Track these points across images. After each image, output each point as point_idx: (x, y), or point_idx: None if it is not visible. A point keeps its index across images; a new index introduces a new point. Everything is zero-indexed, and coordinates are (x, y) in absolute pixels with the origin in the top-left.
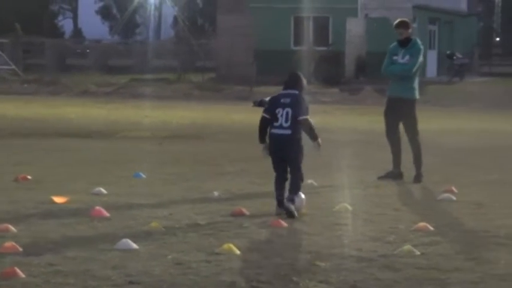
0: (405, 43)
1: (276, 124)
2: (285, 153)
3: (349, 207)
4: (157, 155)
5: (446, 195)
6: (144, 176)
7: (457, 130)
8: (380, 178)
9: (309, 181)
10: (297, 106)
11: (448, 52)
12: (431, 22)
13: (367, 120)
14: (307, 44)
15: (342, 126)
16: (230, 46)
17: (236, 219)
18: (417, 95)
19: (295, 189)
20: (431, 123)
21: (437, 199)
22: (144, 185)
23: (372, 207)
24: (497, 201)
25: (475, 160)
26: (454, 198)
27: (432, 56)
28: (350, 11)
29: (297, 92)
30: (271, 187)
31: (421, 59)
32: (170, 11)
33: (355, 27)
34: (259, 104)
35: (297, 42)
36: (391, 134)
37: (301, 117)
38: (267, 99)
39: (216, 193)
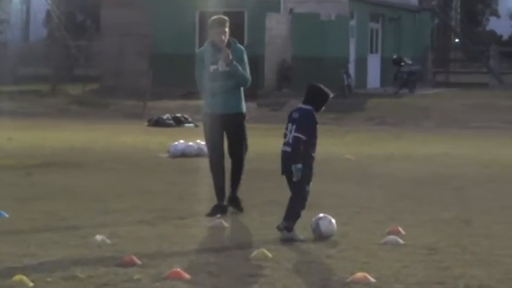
0: (226, 46)
1: (284, 140)
2: (286, 172)
3: (269, 254)
4: (24, 189)
5: (391, 237)
6: (6, 215)
7: (406, 155)
8: (208, 215)
9: (217, 221)
10: (298, 122)
11: (394, 57)
12: (373, 19)
13: None
14: None
15: (261, 151)
16: (119, 49)
17: (125, 270)
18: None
19: (289, 215)
20: (373, 146)
21: (380, 243)
22: (6, 226)
23: (298, 253)
24: (454, 245)
25: (427, 193)
26: (401, 241)
27: (374, 62)
28: (270, 4)
29: (309, 107)
30: (168, 228)
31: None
32: (42, 4)
33: (276, 25)
34: (155, 122)
35: (204, 44)
36: (216, 155)
37: (295, 134)
38: (166, 117)
39: (99, 237)
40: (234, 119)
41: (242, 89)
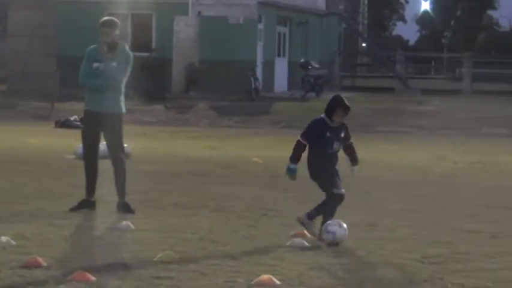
0: (113, 47)
1: None
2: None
3: (175, 256)
4: None
5: (297, 240)
6: None
7: None
8: (72, 210)
9: (124, 222)
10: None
11: (301, 61)
12: (280, 23)
13: (201, 145)
14: None
15: (169, 153)
16: (26, 50)
17: (30, 271)
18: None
19: (318, 208)
20: (280, 149)
21: (286, 245)
22: None
23: (205, 256)
24: (360, 248)
25: None
26: (307, 244)
27: (282, 65)
28: (179, 7)
29: (322, 115)
30: (73, 229)
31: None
32: None
33: (185, 28)
34: (62, 124)
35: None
36: (91, 152)
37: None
38: (73, 118)
39: (4, 238)
40: (110, 118)
41: (123, 90)
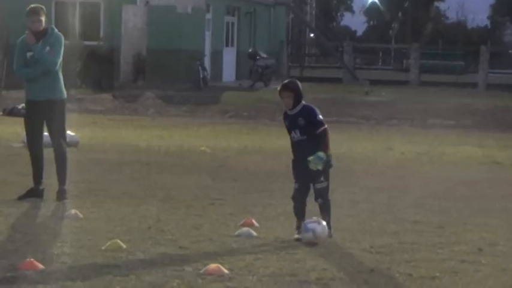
0: (42, 34)
1: None
2: None
3: (123, 245)
4: None
5: (244, 229)
6: None
7: (259, 149)
8: (20, 198)
9: (73, 211)
10: None
11: (250, 51)
12: (229, 12)
13: (149, 135)
14: (72, 38)
15: (117, 142)
16: None
17: None
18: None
19: (324, 215)
20: (228, 139)
21: (234, 235)
22: None
23: (152, 244)
24: None
25: (280, 186)
26: (255, 233)
27: (230, 55)
28: None
29: None
30: (21, 218)
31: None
32: None
33: (133, 18)
34: (10, 112)
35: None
36: (35, 141)
37: None
38: (20, 106)
39: None
40: (52, 104)
41: (61, 75)
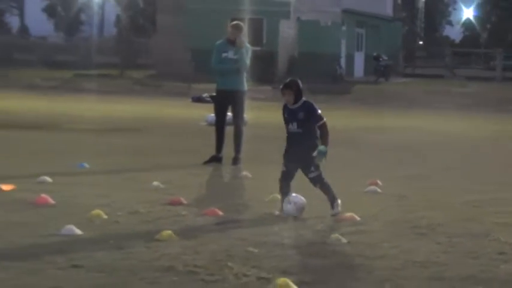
0: (237, 42)
1: None
2: None
3: (278, 196)
4: (99, 147)
5: (371, 187)
6: (87, 166)
7: (382, 127)
8: (205, 163)
9: (244, 173)
10: None
11: (374, 54)
12: (358, 25)
13: None
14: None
15: (274, 122)
16: (169, 45)
17: (174, 207)
18: (246, 87)
19: (328, 195)
20: (358, 120)
21: (364, 191)
22: (87, 174)
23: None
24: (418, 194)
25: (398, 156)
26: (379, 190)
27: (359, 58)
28: (283, 13)
29: None
30: (206, 177)
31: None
32: (113, 10)
33: (287, 29)
34: (197, 99)
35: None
36: (220, 120)
37: None
38: (205, 95)
39: (155, 183)
40: (236, 94)
41: (245, 73)
